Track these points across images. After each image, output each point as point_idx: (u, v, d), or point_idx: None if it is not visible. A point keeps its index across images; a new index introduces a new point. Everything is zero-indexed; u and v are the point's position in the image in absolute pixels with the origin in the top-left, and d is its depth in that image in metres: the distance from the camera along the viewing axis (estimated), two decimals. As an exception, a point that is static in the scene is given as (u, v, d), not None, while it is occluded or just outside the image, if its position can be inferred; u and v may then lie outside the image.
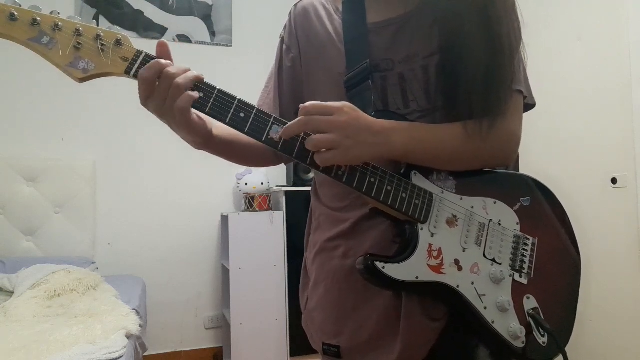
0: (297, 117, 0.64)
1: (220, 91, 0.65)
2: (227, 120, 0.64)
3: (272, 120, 0.65)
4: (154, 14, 2.90)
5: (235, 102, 0.65)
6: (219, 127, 0.74)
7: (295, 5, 0.88)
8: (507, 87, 0.71)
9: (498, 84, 0.69)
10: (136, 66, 0.63)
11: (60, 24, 0.62)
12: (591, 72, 2.17)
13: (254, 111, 0.65)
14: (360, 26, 0.78)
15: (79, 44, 0.62)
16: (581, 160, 2.20)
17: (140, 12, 2.87)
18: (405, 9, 0.76)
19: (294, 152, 0.65)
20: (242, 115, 0.64)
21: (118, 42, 0.64)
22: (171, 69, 0.62)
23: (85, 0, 2.75)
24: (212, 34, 3.02)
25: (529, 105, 0.80)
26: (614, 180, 2.06)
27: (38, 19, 0.61)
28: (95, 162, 2.72)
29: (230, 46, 3.05)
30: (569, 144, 2.27)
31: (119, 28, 0.65)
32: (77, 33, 0.62)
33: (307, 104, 0.64)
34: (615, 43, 2.06)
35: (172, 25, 2.93)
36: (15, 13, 0.60)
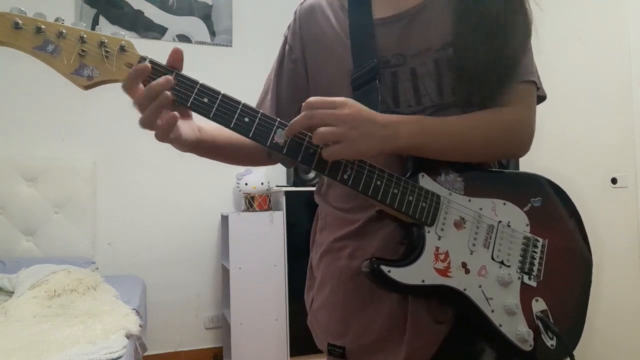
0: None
1: (224, 96, 0.64)
2: (232, 125, 0.63)
3: (276, 124, 0.64)
4: (154, 14, 2.89)
5: (240, 106, 0.64)
6: (205, 132, 0.74)
7: (301, 4, 0.87)
8: (511, 80, 0.71)
9: (504, 77, 0.69)
10: None
11: (64, 31, 0.61)
12: (591, 72, 2.17)
13: (259, 115, 0.64)
14: (366, 22, 0.77)
15: (83, 51, 0.62)
16: (581, 160, 2.20)
17: (140, 12, 2.87)
18: (414, 2, 0.76)
19: (299, 156, 0.64)
20: (246, 119, 0.64)
21: (122, 48, 0.63)
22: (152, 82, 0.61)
23: (85, 1, 2.74)
24: (212, 34, 3.02)
25: (540, 98, 0.79)
26: (614, 180, 2.05)
27: (42, 26, 0.60)
28: (95, 162, 2.71)
29: (230, 46, 3.05)
30: (569, 144, 2.26)
31: (122, 33, 0.64)
32: (82, 40, 0.61)
33: (311, 98, 0.63)
34: (615, 43, 2.06)
35: (172, 25, 2.93)
36: (20, 22, 0.59)
